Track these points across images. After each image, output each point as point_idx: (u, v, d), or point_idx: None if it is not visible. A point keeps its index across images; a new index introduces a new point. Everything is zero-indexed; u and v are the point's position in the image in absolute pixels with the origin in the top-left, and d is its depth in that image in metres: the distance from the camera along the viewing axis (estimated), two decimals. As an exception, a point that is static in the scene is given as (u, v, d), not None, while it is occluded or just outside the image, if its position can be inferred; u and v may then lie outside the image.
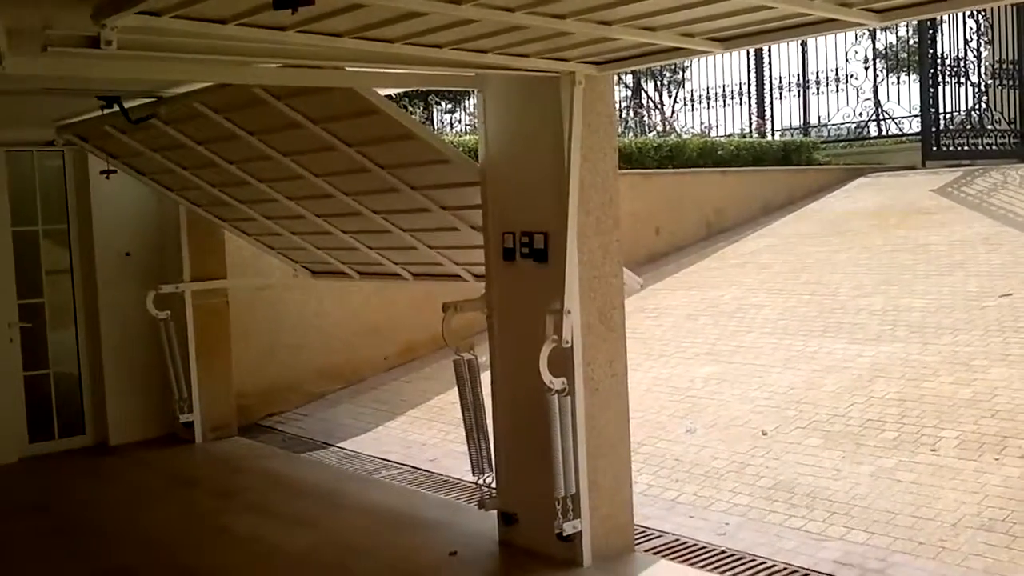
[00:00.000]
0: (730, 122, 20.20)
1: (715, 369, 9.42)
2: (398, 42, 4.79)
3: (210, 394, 9.49)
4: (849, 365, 8.84)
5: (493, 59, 5.21)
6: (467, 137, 13.61)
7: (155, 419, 9.56)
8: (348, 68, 5.36)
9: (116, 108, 6.96)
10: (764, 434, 7.79)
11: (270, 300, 10.59)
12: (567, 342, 5.53)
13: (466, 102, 23.71)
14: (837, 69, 19.05)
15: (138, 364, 9.46)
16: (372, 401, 10.53)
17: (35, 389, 9.28)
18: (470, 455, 6.55)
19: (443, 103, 24.49)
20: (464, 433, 6.58)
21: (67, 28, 4.30)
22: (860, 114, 19.09)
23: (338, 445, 9.24)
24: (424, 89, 19.95)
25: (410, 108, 21.28)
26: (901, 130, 18.47)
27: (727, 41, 5.04)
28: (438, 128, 23.28)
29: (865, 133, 19.09)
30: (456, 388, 6.53)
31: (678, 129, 20.72)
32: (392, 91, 8.88)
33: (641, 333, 10.70)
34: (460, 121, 24.61)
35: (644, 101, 23.18)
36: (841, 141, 19.09)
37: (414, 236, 7.40)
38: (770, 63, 19.87)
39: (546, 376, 5.46)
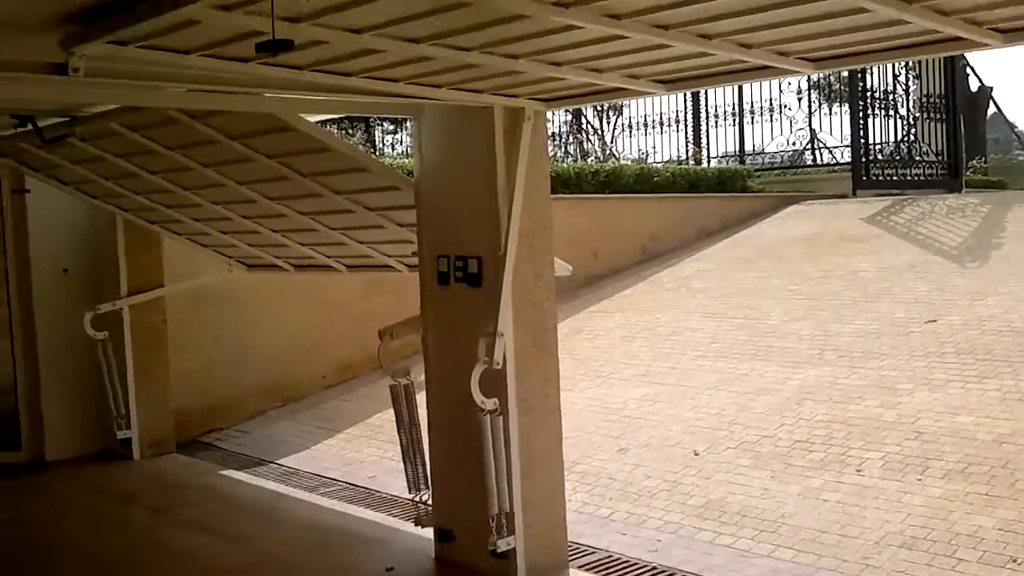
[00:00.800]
0: (667, 149, 20.58)
1: (649, 390, 9.60)
2: (355, 75, 4.96)
3: (148, 411, 9.45)
4: (779, 388, 9.07)
5: (446, 94, 5.38)
6: (408, 160, 13.71)
7: (92, 435, 9.50)
8: (279, 95, 5.43)
9: (30, 127, 6.95)
10: (696, 454, 7.97)
11: (208, 318, 10.57)
12: (498, 363, 5.64)
13: (408, 123, 23.75)
14: (772, 99, 19.49)
15: (75, 379, 9.40)
16: (311, 419, 10.55)
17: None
18: (406, 474, 6.64)
19: (384, 124, 24.53)
20: (401, 453, 6.67)
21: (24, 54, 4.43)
22: (794, 143, 19.53)
23: (277, 462, 9.25)
24: (365, 111, 19.99)
25: (350, 131, 21.32)
26: (834, 159, 18.93)
27: (670, 83, 5.27)
28: (379, 150, 23.33)
29: (799, 162, 19.53)
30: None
31: (616, 155, 21.02)
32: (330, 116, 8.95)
33: (578, 354, 10.87)
34: (401, 143, 24.67)
35: (583, 127, 23.44)
36: (775, 169, 19.48)
37: (343, 233, 7.55)
38: (706, 92, 20.24)
39: (477, 396, 5.57)
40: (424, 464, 6.54)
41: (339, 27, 4.04)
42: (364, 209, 6.93)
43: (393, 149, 24.38)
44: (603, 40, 4.31)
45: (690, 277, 13.53)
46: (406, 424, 6.55)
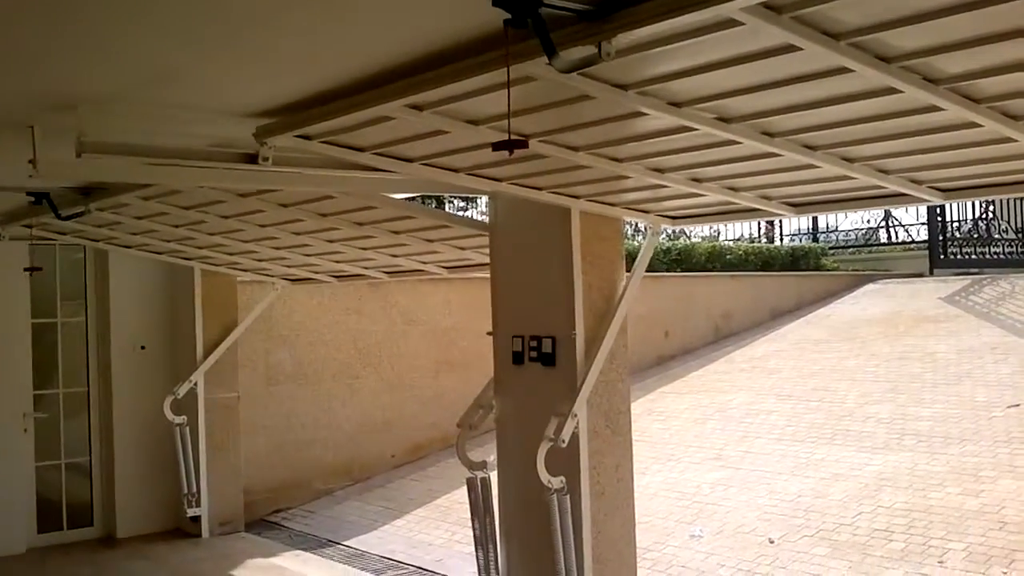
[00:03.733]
0: (738, 226, 20.39)
1: (723, 475, 9.41)
2: (504, 181, 5.10)
3: (218, 489, 9.52)
4: (857, 473, 8.83)
5: (585, 205, 5.51)
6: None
7: (162, 512, 9.58)
8: (380, 178, 5.51)
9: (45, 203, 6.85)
10: (771, 542, 7.77)
11: (280, 396, 10.67)
12: (563, 442, 5.57)
13: (478, 201, 23.97)
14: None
15: (148, 456, 9.51)
16: (379, 499, 10.52)
17: (46, 479, 9.33)
18: (477, 560, 6.54)
19: (455, 201, 24.78)
20: (472, 538, 6.58)
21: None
22: (868, 221, 19.30)
23: (344, 543, 9.21)
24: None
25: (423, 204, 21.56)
26: (910, 237, 18.65)
27: (800, 207, 5.29)
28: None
29: (874, 240, 19.28)
30: (464, 492, 6.55)
31: (686, 232, 20.92)
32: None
33: (649, 436, 10.72)
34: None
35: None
36: (850, 247, 19.25)
37: (375, 251, 7.74)
38: (779, 170, 20.13)
39: (543, 475, 5.49)
40: (496, 551, 6.44)
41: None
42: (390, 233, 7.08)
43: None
44: (750, 158, 4.32)
45: (764, 358, 13.34)
46: (481, 514, 6.47)
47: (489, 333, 6.43)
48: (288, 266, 8.88)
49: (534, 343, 5.99)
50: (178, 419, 9.03)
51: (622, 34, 2.81)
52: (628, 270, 6.05)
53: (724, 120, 3.81)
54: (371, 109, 3.82)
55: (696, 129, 3.85)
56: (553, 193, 5.32)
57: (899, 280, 16.34)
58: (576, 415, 5.61)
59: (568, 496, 5.60)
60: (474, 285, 12.02)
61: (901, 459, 8.99)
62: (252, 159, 4.94)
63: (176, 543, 9.30)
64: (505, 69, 3.04)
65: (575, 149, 4.37)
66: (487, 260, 7.41)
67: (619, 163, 4.54)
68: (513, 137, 3.00)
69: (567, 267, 5.76)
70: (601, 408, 5.87)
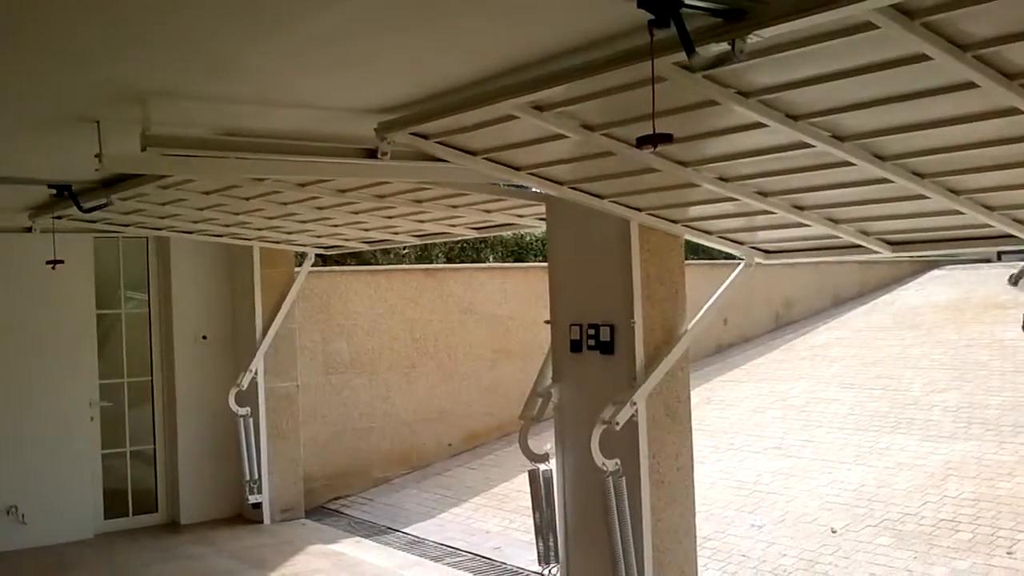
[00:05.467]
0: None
1: (783, 464, 9.30)
2: (607, 199, 5.14)
3: (280, 476, 9.62)
4: (922, 463, 8.68)
5: (679, 229, 5.59)
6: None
7: (225, 499, 9.69)
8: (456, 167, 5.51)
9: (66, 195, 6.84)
10: (834, 532, 7.66)
11: (338, 386, 10.75)
12: (617, 424, 5.53)
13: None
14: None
15: (211, 445, 9.62)
16: (436, 487, 10.55)
17: (112, 466, 9.50)
18: (537, 548, 6.53)
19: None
20: (533, 527, 6.57)
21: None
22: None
23: (403, 530, 9.25)
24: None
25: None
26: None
27: (896, 244, 5.15)
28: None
29: (939, 225, 18.91)
30: (521, 480, 6.54)
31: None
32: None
33: (708, 425, 10.62)
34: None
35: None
36: (914, 233, 18.90)
37: (403, 218, 7.63)
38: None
39: (598, 458, 5.47)
40: (556, 540, 6.42)
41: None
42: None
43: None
44: (856, 183, 4.22)
45: (826, 346, 13.16)
46: (542, 504, 6.46)
47: (547, 322, 6.41)
48: (317, 236, 8.89)
49: (592, 331, 5.96)
50: (242, 411, 9.14)
51: (755, 32, 2.81)
52: (690, 259, 6.01)
53: (838, 138, 3.74)
54: (497, 105, 3.83)
55: (810, 146, 3.78)
56: (651, 215, 5.31)
57: (966, 266, 16.02)
58: (635, 403, 5.58)
59: (624, 479, 5.58)
60: (530, 274, 12.03)
61: (968, 448, 8.82)
62: (372, 153, 4.95)
63: (238, 529, 9.41)
64: (630, 68, 3.15)
65: (684, 164, 4.33)
66: (512, 221, 7.58)
67: (725, 182, 4.50)
68: (661, 132, 3.01)
69: (625, 255, 5.73)
70: (661, 397, 5.84)
